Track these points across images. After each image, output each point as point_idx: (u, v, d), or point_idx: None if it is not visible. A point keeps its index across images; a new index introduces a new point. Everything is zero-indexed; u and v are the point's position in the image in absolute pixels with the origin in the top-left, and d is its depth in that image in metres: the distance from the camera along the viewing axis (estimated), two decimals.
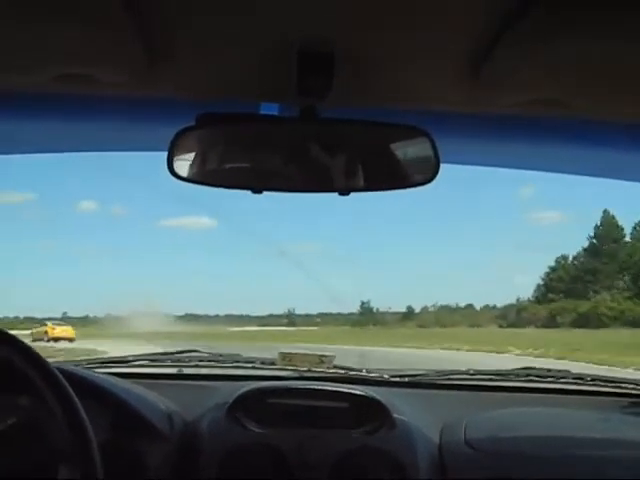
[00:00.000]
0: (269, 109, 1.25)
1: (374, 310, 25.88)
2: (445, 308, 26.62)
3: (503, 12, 0.90)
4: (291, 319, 26.54)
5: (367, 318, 24.93)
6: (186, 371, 1.93)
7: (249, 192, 1.18)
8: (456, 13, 0.92)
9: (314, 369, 1.86)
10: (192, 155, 1.16)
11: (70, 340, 17.12)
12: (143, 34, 0.97)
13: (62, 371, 1.07)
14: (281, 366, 1.89)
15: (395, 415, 1.60)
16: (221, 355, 2.00)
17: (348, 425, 1.57)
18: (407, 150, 1.17)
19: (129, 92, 1.21)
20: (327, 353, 1.93)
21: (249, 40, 1.02)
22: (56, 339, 16.95)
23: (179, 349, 2.03)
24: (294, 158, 1.18)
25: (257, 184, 1.18)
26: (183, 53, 1.07)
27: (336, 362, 1.89)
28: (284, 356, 1.89)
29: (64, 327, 18.68)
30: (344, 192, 1.18)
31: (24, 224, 31.94)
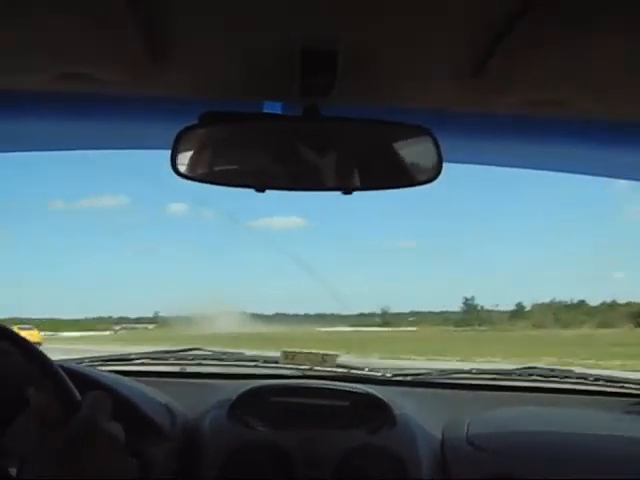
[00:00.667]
0: (272, 108, 1.25)
1: (479, 308, 24.41)
2: (560, 305, 24.34)
3: (504, 12, 0.90)
4: (385, 318, 25.69)
5: (471, 317, 23.35)
6: (189, 369, 1.94)
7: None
8: (458, 12, 0.92)
9: (317, 368, 1.86)
10: (195, 154, 1.16)
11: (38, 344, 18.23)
12: (145, 33, 0.97)
13: (64, 369, 1.07)
14: (284, 365, 1.89)
15: (397, 414, 1.60)
16: (224, 353, 2.00)
17: (350, 424, 1.57)
18: (410, 149, 1.17)
19: (131, 91, 1.21)
20: (331, 352, 1.93)
21: (252, 39, 1.02)
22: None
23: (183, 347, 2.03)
24: (297, 157, 1.18)
25: (260, 183, 1.18)
26: (185, 52, 1.07)
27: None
28: (287, 355, 1.89)
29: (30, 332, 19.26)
30: (347, 191, 1.18)
31: (118, 227, 32.47)
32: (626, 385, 1.86)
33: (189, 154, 1.16)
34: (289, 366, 1.89)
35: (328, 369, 1.87)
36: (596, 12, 0.87)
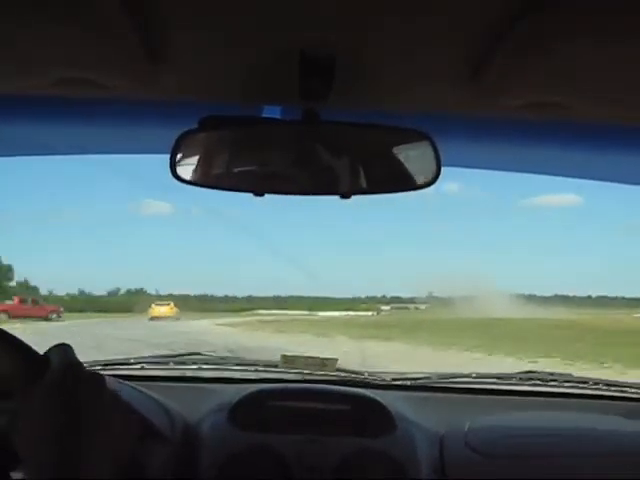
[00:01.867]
0: (271, 112, 1.25)
1: None
2: None
3: (503, 16, 0.90)
4: None
5: None
6: (188, 373, 1.93)
7: None
8: (456, 16, 0.92)
9: (316, 372, 1.86)
10: (195, 158, 1.17)
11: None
12: (144, 38, 0.97)
13: None
14: (283, 369, 1.89)
15: (397, 418, 1.60)
16: (223, 358, 2.00)
17: (350, 428, 1.57)
18: (408, 153, 1.18)
19: (131, 95, 1.22)
20: (331, 356, 1.93)
21: (251, 44, 1.02)
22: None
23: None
24: (296, 161, 1.18)
25: (259, 187, 1.18)
26: (185, 57, 1.07)
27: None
28: (286, 359, 1.89)
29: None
30: (346, 195, 1.18)
31: None
32: (626, 389, 1.86)
33: (188, 158, 1.16)
34: (289, 370, 1.88)
35: (328, 373, 1.86)
36: (596, 15, 0.87)
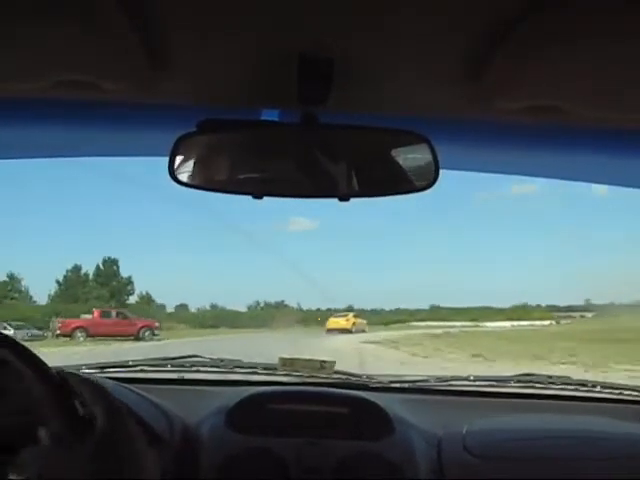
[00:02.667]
0: (270, 115, 1.26)
1: None
2: None
3: (502, 19, 0.90)
4: None
5: None
6: (187, 376, 1.93)
7: None
8: (455, 20, 0.93)
9: (315, 375, 1.86)
10: (193, 161, 1.17)
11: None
12: (144, 41, 0.97)
13: (62, 375, 1.07)
14: (282, 372, 1.89)
15: (395, 421, 1.60)
16: (222, 360, 1.99)
17: (348, 431, 1.57)
18: (407, 156, 1.18)
19: (130, 98, 1.22)
20: (327, 359, 1.93)
21: (250, 47, 1.02)
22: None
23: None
24: (295, 164, 1.19)
25: (258, 190, 1.18)
26: (184, 60, 1.07)
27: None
28: (285, 361, 1.89)
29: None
30: (344, 197, 1.18)
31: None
32: (624, 392, 1.86)
33: (187, 161, 1.16)
34: (287, 373, 1.88)
35: (326, 376, 1.86)
36: (596, 16, 0.87)
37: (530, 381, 1.91)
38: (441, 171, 1.14)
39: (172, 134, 1.11)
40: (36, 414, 0.96)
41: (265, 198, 1.18)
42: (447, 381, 1.91)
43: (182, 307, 25.28)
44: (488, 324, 21.69)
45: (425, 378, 1.94)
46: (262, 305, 26.07)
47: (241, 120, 1.17)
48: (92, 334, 16.06)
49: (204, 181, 1.19)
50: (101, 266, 24.03)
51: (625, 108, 1.15)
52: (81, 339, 15.96)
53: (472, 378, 1.92)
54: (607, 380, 1.96)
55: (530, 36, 0.93)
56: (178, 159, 1.14)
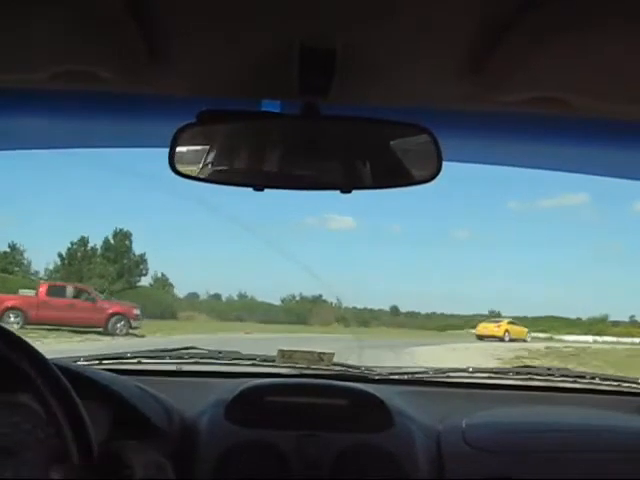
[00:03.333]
0: (271, 106, 1.24)
1: None
2: None
3: (504, 10, 0.89)
4: None
5: None
6: (185, 368, 1.92)
7: None
8: (458, 10, 0.92)
9: (313, 366, 1.86)
10: (193, 152, 1.16)
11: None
12: (144, 31, 0.96)
13: (60, 367, 1.06)
14: (280, 363, 1.89)
15: (394, 413, 1.59)
16: (220, 352, 1.99)
17: (347, 423, 1.57)
18: (409, 147, 1.17)
19: (130, 89, 1.21)
20: (326, 350, 1.93)
21: (251, 37, 1.01)
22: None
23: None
24: (295, 156, 1.18)
25: (258, 182, 1.17)
26: (184, 50, 1.06)
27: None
28: (283, 353, 1.88)
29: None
30: (346, 190, 1.17)
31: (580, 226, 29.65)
32: (622, 384, 1.86)
33: (187, 152, 1.15)
34: (286, 365, 1.88)
35: (325, 368, 1.86)
36: (596, 9, 0.87)
37: (529, 373, 1.91)
38: (444, 163, 1.13)
39: (173, 125, 1.10)
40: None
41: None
42: (446, 373, 1.92)
43: (202, 295, 22.59)
44: (565, 337, 20.17)
45: (424, 370, 1.94)
46: (297, 299, 24.23)
47: (241, 111, 1.16)
48: (33, 320, 11.30)
49: (204, 173, 1.18)
50: (111, 239, 21.20)
51: (627, 100, 1.15)
52: (15, 326, 10.63)
53: (471, 370, 1.93)
54: None
55: (532, 28, 0.92)
56: (178, 150, 1.13)
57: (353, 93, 1.18)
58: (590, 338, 19.89)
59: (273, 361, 1.90)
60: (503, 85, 1.12)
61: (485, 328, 18.20)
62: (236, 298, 23.39)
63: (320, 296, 22.99)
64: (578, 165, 1.63)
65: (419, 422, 1.61)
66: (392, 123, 1.16)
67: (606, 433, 1.60)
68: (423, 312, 23.81)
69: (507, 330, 17.97)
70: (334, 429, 1.56)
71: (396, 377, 1.88)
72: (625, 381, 1.87)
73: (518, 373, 1.92)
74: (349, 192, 1.17)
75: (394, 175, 1.19)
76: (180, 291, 22.47)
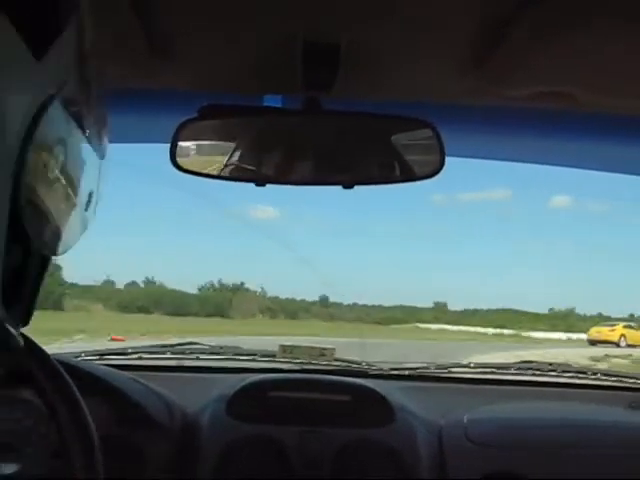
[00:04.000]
0: (273, 101, 1.23)
1: None
2: None
3: (506, 5, 0.89)
4: None
5: None
6: (186, 363, 1.92)
7: None
8: (460, 6, 0.92)
9: (315, 362, 1.86)
10: (195, 147, 1.15)
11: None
12: (146, 26, 0.96)
13: (61, 363, 1.06)
14: (282, 358, 1.88)
15: (396, 408, 1.59)
16: (221, 347, 1.99)
17: (349, 418, 1.57)
18: (412, 143, 1.16)
19: (132, 84, 1.20)
20: (328, 346, 1.92)
21: (254, 32, 1.01)
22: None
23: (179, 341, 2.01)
24: (298, 151, 1.17)
25: (261, 177, 1.17)
26: (186, 45, 1.06)
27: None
28: (285, 348, 1.88)
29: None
30: (348, 185, 1.17)
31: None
32: (624, 379, 1.86)
33: (188, 148, 1.14)
34: (287, 360, 1.88)
35: (326, 363, 1.86)
36: (598, 4, 0.86)
37: (530, 368, 1.91)
38: (447, 158, 1.12)
39: (175, 120, 1.09)
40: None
41: None
42: (447, 368, 1.91)
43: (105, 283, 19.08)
44: (533, 334, 19.04)
45: (425, 365, 1.94)
46: (217, 286, 21.03)
47: (243, 106, 1.15)
48: None
49: (206, 168, 1.17)
50: None
51: (630, 95, 1.14)
52: None
53: (472, 365, 1.92)
54: None
55: (534, 23, 0.92)
56: (179, 145, 1.12)
57: (356, 88, 1.18)
58: (555, 335, 19.08)
59: (274, 356, 1.89)
60: (505, 80, 1.12)
61: (598, 332, 16.24)
62: (142, 285, 20.12)
63: (242, 284, 20.64)
64: (583, 160, 1.63)
65: (421, 417, 1.61)
66: (395, 118, 1.15)
67: (608, 429, 1.60)
68: (360, 303, 20.85)
69: (623, 334, 15.92)
70: (336, 424, 1.56)
71: (397, 372, 1.88)
72: (627, 377, 1.87)
73: (519, 368, 1.92)
74: (351, 187, 1.16)
75: (397, 170, 1.19)
76: (72, 276, 18.04)
